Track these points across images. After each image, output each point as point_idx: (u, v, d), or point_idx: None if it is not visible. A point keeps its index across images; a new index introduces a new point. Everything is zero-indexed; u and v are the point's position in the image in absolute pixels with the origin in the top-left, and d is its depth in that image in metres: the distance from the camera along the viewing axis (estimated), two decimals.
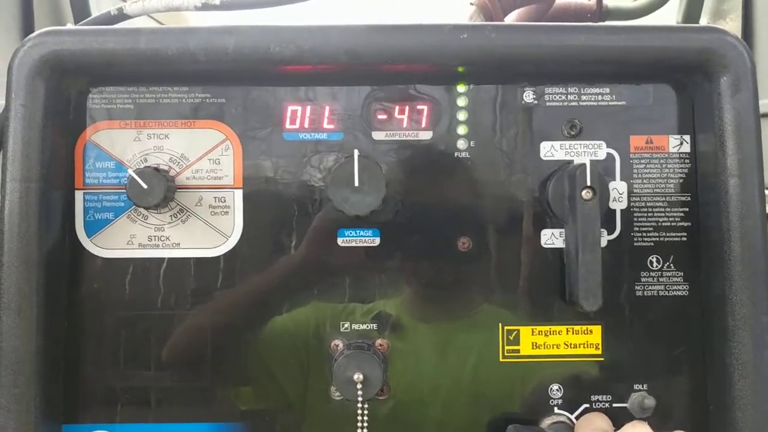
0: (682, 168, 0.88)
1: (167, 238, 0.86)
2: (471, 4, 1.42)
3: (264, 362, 0.87)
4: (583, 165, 0.82)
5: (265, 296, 0.87)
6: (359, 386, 0.82)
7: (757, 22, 1.78)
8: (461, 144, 0.88)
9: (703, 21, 1.97)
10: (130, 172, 0.81)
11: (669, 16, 2.02)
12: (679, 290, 0.87)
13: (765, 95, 1.66)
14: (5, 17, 1.70)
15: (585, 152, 0.87)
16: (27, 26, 1.83)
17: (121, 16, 0.90)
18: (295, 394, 0.87)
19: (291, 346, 0.87)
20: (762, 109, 1.68)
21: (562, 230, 0.86)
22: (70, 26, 1.64)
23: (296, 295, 0.87)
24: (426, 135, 0.87)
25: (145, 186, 0.81)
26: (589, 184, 0.81)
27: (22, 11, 1.78)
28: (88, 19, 0.94)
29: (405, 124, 0.87)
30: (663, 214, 0.87)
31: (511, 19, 1.57)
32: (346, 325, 0.87)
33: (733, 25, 1.87)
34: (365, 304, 0.87)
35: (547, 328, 0.87)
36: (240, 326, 0.87)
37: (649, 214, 0.87)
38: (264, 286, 0.87)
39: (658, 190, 0.88)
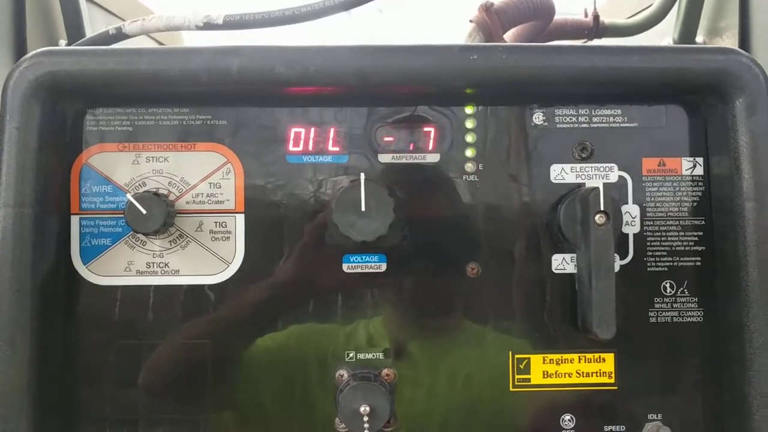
0: (695, 191, 0.86)
1: (166, 264, 0.84)
2: (470, 21, 1.41)
3: (261, 391, 0.84)
4: (596, 189, 0.80)
5: (263, 322, 0.84)
6: (366, 418, 0.79)
7: (753, 39, 1.78)
8: (469, 167, 0.85)
9: (699, 38, 1.97)
10: (129, 196, 0.79)
11: (665, 33, 2.02)
12: (693, 316, 0.85)
13: None
14: None
15: (596, 175, 0.85)
16: (20, 44, 1.81)
17: (120, 35, 0.88)
18: (296, 425, 0.84)
19: (291, 373, 0.84)
20: None
21: (574, 255, 0.84)
22: (66, 46, 1.62)
23: (297, 321, 0.84)
24: (433, 157, 0.85)
25: (144, 211, 0.78)
26: (602, 208, 0.79)
27: (15, 29, 1.75)
28: (86, 38, 0.92)
29: (412, 147, 0.85)
30: (677, 239, 0.85)
31: (509, 36, 1.55)
32: (351, 354, 0.84)
33: (729, 42, 1.87)
34: (371, 332, 0.85)
35: (558, 356, 0.85)
36: (234, 353, 0.84)
37: (663, 239, 0.85)
38: (262, 311, 0.84)
39: (671, 214, 0.86)
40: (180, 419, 0.84)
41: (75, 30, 1.82)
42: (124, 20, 2.19)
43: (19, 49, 1.80)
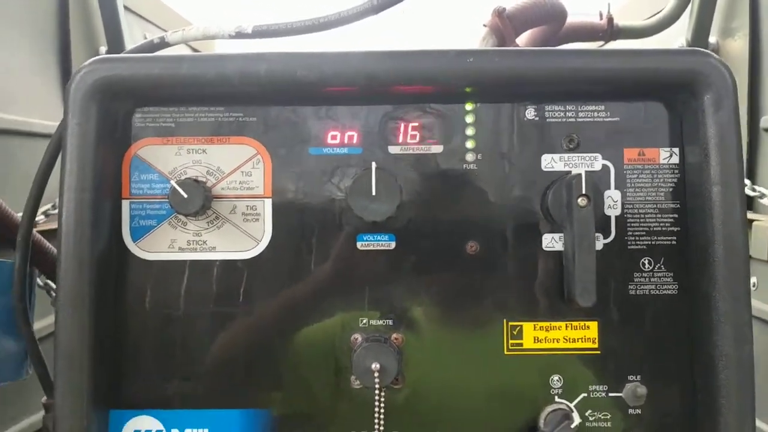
0: (671, 178, 0.96)
1: (204, 242, 0.96)
2: (484, 25, 1.50)
3: (291, 357, 0.96)
4: (579, 175, 0.90)
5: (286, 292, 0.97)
6: (376, 375, 0.90)
7: (764, 39, 1.86)
8: (469, 157, 0.96)
9: (712, 39, 2.05)
10: (173, 183, 0.91)
11: (680, 34, 2.10)
12: (668, 289, 0.95)
13: None
14: (44, 39, 1.83)
15: (582, 164, 0.96)
16: (64, 49, 1.96)
17: (163, 44, 1.01)
18: (317, 385, 0.96)
19: (313, 337, 0.96)
20: (764, 124, 1.76)
21: (562, 234, 0.95)
22: (107, 53, 1.77)
23: (317, 292, 0.96)
24: (437, 149, 0.96)
25: (185, 195, 0.91)
26: (584, 192, 0.90)
27: (60, 35, 1.91)
28: (134, 47, 1.04)
29: (418, 139, 0.96)
30: (654, 220, 0.95)
31: (523, 39, 1.64)
32: (364, 321, 0.96)
33: (741, 42, 1.94)
34: (382, 302, 0.96)
35: (547, 323, 0.95)
36: (272, 329, 0.96)
37: (642, 220, 0.95)
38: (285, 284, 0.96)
39: (649, 198, 0.96)
40: (217, 380, 0.96)
41: (113, 35, 1.98)
42: (153, 23, 2.35)
43: (64, 52, 1.95)
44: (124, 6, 1.99)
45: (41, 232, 1.22)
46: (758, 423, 1.83)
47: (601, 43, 2.82)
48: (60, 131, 0.94)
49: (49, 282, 1.35)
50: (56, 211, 1.58)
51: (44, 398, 1.24)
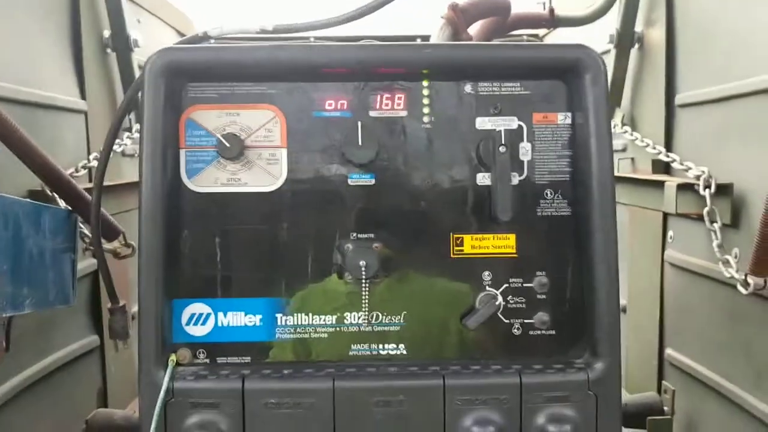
0: (566, 133, 1.37)
1: (239, 179, 1.34)
2: (441, 17, 1.88)
3: (302, 260, 1.35)
4: (501, 131, 1.32)
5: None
6: (363, 269, 1.31)
7: (678, 28, 2.26)
8: (426, 119, 1.36)
9: (638, 27, 2.44)
10: (219, 136, 1.30)
11: (612, 23, 2.49)
12: (564, 212, 1.37)
13: (687, 87, 2.16)
14: (58, 26, 2.18)
15: (504, 124, 1.36)
16: (75, 33, 2.30)
17: (205, 37, 1.39)
18: (321, 280, 1.36)
19: (318, 248, 1.35)
20: (682, 101, 2.15)
21: (489, 173, 1.35)
22: (113, 37, 2.18)
23: (321, 214, 1.36)
24: (404, 113, 1.36)
25: (228, 145, 1.30)
26: (503, 143, 1.31)
27: (71, 20, 2.25)
28: (185, 38, 1.43)
29: (390, 107, 1.36)
30: (554, 163, 1.36)
31: (474, 29, 2.02)
32: (354, 235, 1.35)
33: (660, 31, 2.33)
34: (366, 222, 1.35)
35: (480, 236, 1.36)
36: (287, 241, 1.35)
37: (545, 163, 1.36)
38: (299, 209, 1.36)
39: (551, 148, 1.36)
40: (250, 278, 1.36)
41: (116, 21, 2.34)
42: (144, 9, 2.71)
43: (75, 37, 2.30)
44: None
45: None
46: (673, 352, 2.24)
47: (545, 30, 3.24)
48: (126, 101, 1.34)
49: (84, 230, 1.73)
50: (79, 174, 1.98)
51: (109, 305, 1.62)
